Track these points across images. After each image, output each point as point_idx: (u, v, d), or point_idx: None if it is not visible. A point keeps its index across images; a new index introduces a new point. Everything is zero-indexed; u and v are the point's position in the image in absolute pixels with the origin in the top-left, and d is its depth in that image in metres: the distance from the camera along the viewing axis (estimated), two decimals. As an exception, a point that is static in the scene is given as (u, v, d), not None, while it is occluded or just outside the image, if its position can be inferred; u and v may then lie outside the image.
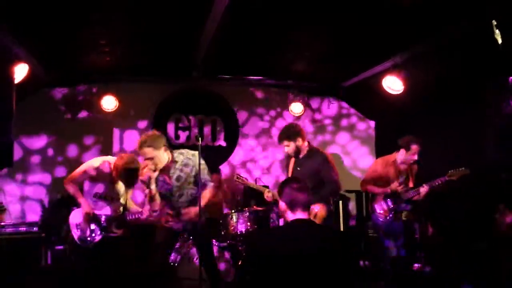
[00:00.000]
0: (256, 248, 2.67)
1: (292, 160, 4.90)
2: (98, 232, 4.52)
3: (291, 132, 4.71)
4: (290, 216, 2.74)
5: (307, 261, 2.51)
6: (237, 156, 7.49)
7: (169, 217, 4.31)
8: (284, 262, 2.50)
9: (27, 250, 5.42)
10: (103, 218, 4.54)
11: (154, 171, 4.15)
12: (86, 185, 4.59)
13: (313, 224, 2.83)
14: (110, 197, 4.63)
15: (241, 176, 5.68)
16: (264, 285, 2.51)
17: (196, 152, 4.33)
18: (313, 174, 4.65)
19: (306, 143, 4.79)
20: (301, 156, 4.78)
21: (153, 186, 4.18)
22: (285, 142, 4.72)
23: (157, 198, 4.27)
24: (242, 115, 7.55)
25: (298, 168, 4.79)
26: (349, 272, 2.65)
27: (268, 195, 5.01)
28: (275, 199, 4.86)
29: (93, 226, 4.51)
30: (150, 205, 4.26)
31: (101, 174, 4.50)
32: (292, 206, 2.73)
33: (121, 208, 4.68)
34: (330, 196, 4.78)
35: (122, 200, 4.71)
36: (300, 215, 2.72)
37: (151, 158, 4.12)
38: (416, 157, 5.13)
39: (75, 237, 4.51)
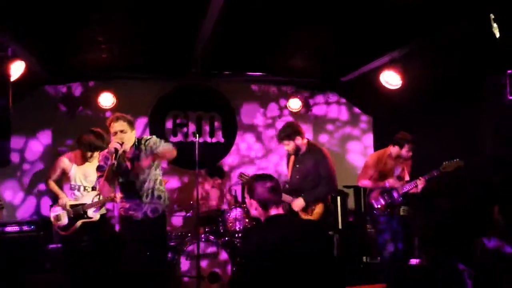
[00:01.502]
0: (249, 247, 2.64)
1: (292, 157, 4.93)
2: (77, 219, 5.00)
3: (290, 131, 4.76)
4: (263, 213, 2.70)
5: (299, 253, 2.50)
6: (235, 153, 7.48)
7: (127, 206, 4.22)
8: (277, 256, 2.48)
9: (25, 248, 5.42)
10: (80, 207, 5.04)
11: (120, 144, 4.01)
12: (63, 182, 5.20)
13: (293, 217, 2.81)
14: (83, 187, 5.17)
15: (245, 174, 5.49)
16: (261, 280, 2.50)
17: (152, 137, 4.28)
18: (312, 171, 4.74)
19: (305, 140, 4.83)
20: (300, 153, 4.82)
21: (114, 161, 3.96)
22: (285, 142, 4.78)
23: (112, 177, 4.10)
24: (240, 112, 7.53)
25: (297, 165, 4.83)
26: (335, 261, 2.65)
27: None
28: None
29: (71, 214, 5.00)
30: (106, 184, 4.09)
31: (70, 164, 5.15)
32: (265, 206, 2.68)
33: (97, 197, 5.12)
34: (327, 194, 4.84)
35: (97, 190, 5.17)
36: (275, 211, 2.69)
37: (123, 132, 4.08)
38: (409, 154, 5.16)
39: (56, 226, 5.04)
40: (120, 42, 5.42)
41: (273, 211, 2.68)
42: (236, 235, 5.60)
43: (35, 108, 6.45)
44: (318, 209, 4.67)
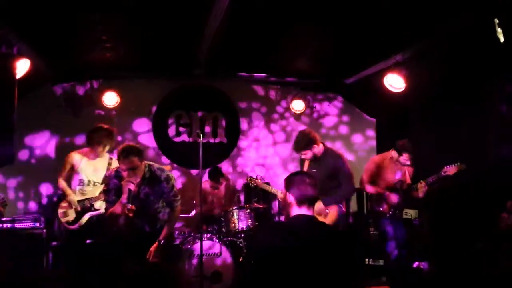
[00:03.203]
0: (260, 244, 2.65)
1: (306, 163, 4.92)
2: (84, 213, 5.08)
3: (307, 141, 4.72)
4: (296, 210, 2.71)
5: (311, 257, 2.50)
6: (237, 153, 7.50)
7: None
8: (288, 257, 2.49)
9: (28, 245, 5.43)
10: (86, 201, 5.12)
11: (134, 184, 3.84)
12: (72, 177, 5.24)
13: (317, 221, 2.81)
14: (93, 182, 5.21)
15: (254, 178, 5.42)
16: (268, 280, 2.50)
17: (166, 170, 4.14)
18: (330, 175, 4.74)
19: (321, 146, 4.83)
20: (317, 158, 4.82)
21: (126, 203, 3.82)
22: (303, 152, 4.75)
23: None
24: (243, 112, 7.54)
25: (314, 170, 4.80)
26: (352, 269, 2.64)
27: (281, 197, 4.90)
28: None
29: (78, 209, 5.08)
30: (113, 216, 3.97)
31: (79, 159, 5.20)
32: (300, 201, 2.70)
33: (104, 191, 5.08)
34: (344, 199, 4.88)
35: (104, 186, 5.13)
36: (305, 210, 2.70)
37: (134, 168, 3.84)
38: (407, 163, 5.17)
39: (64, 222, 5.09)
40: (124, 41, 5.42)
41: (304, 210, 2.69)
42: (239, 235, 5.61)
43: (39, 106, 6.46)
44: (333, 213, 4.67)
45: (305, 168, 4.91)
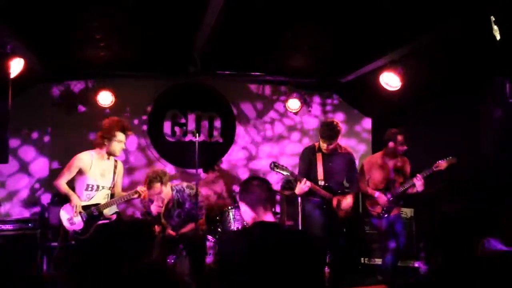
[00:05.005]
0: (223, 252, 2.57)
1: (319, 156, 4.87)
2: (92, 221, 4.62)
3: (337, 132, 4.75)
4: (253, 217, 2.60)
5: (271, 262, 2.40)
6: (233, 153, 7.47)
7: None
8: (249, 263, 2.40)
9: (22, 246, 5.39)
10: (93, 208, 4.63)
11: (161, 206, 4.56)
12: (77, 182, 4.69)
13: (279, 227, 2.72)
14: (101, 186, 4.73)
15: (279, 164, 4.72)
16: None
17: (191, 186, 4.85)
18: (345, 171, 4.95)
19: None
20: (330, 152, 4.84)
21: (163, 220, 4.67)
22: (333, 141, 4.76)
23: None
24: (239, 111, 7.52)
25: (330, 164, 4.87)
26: (317, 276, 2.55)
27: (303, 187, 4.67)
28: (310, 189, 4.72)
29: (84, 218, 4.60)
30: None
31: (89, 163, 4.64)
32: (253, 206, 2.59)
33: (109, 196, 4.79)
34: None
35: (109, 190, 4.80)
36: (262, 215, 2.59)
37: (159, 193, 4.48)
38: (405, 147, 5.12)
39: (70, 231, 4.62)
40: (119, 40, 5.39)
41: (262, 215, 2.58)
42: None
43: (33, 105, 6.43)
44: (350, 198, 4.91)
45: (319, 163, 4.86)
